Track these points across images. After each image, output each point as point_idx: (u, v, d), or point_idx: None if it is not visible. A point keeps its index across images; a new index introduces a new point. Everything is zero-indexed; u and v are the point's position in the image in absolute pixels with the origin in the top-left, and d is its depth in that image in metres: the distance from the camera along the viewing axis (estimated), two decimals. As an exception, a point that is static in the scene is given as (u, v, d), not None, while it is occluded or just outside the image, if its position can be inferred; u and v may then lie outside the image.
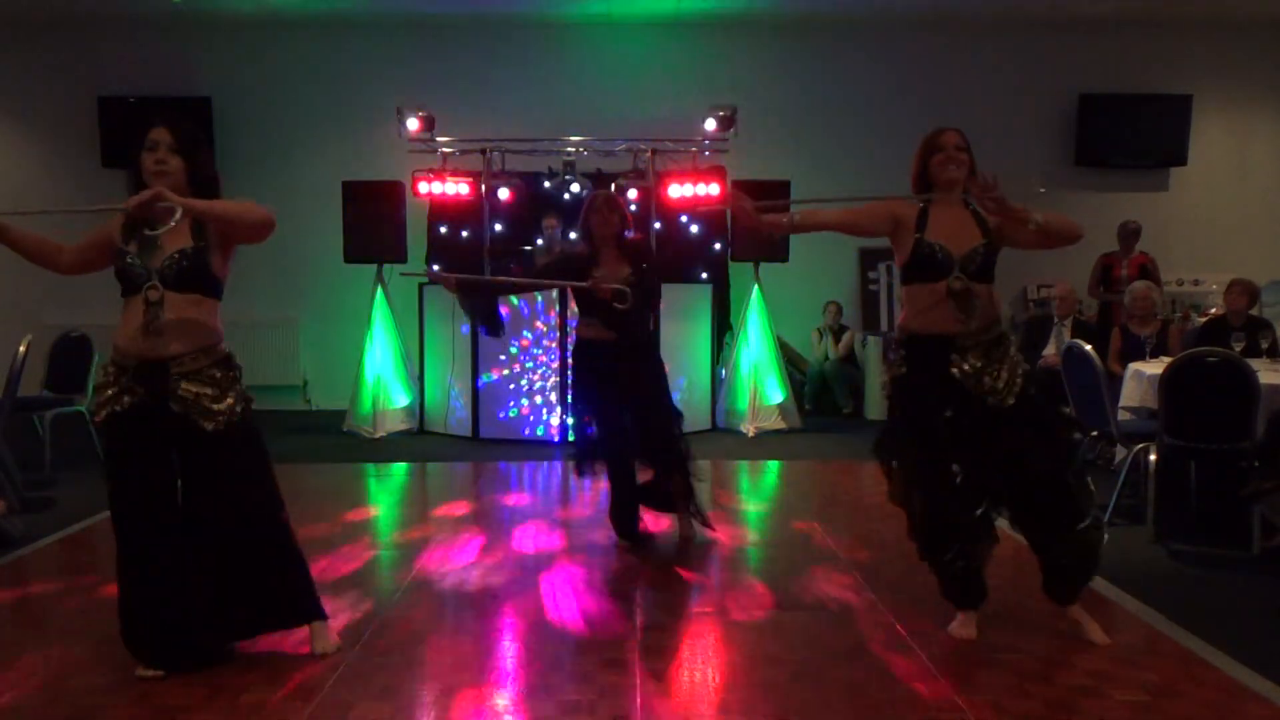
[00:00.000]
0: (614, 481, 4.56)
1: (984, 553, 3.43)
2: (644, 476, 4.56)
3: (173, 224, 2.90)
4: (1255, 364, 4.85)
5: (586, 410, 4.60)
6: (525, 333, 7.62)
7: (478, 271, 8.47)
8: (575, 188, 8.38)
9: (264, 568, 3.18)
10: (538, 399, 7.62)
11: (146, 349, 2.99)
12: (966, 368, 3.20)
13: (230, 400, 3.06)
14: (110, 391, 3.03)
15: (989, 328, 3.25)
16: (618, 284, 4.24)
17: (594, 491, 5.91)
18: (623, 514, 4.57)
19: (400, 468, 6.86)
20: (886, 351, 3.57)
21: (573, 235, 8.60)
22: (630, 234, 4.55)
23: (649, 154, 8.54)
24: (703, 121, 8.23)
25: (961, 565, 3.35)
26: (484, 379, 7.71)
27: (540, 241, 8.51)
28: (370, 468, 6.79)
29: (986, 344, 3.23)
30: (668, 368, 7.80)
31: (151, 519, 3.03)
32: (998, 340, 3.26)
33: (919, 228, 3.28)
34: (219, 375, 3.07)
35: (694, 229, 8.96)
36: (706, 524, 4.65)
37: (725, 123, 8.17)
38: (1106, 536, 3.39)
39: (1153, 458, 4.83)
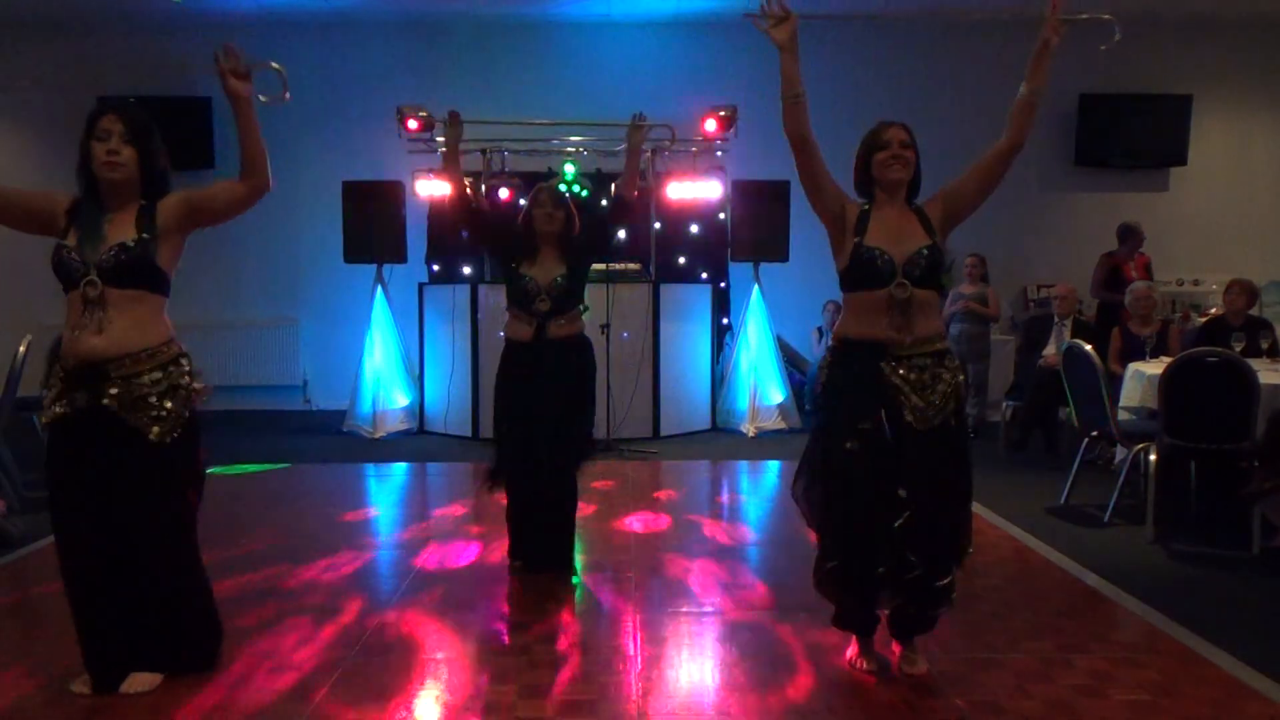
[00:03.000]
0: (511, 500, 4.18)
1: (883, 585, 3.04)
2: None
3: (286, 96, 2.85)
4: (1255, 364, 4.86)
5: (498, 420, 4.19)
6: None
7: (477, 271, 8.50)
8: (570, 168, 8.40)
9: (154, 594, 2.92)
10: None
11: (84, 350, 2.79)
12: (898, 378, 2.96)
13: (172, 406, 2.84)
14: (54, 394, 2.84)
15: (929, 339, 3.00)
16: (550, 284, 4.03)
17: (594, 491, 5.91)
18: (517, 533, 4.21)
19: (400, 468, 6.85)
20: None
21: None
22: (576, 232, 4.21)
23: (649, 154, 8.53)
24: (703, 121, 8.23)
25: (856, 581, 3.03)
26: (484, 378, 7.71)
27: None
28: (370, 468, 6.79)
29: (924, 357, 2.98)
30: (667, 369, 7.94)
31: (92, 531, 2.83)
32: (938, 355, 3.01)
33: (858, 230, 3.03)
34: (162, 378, 2.84)
35: (694, 229, 8.96)
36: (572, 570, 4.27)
37: (725, 123, 8.17)
38: (954, 600, 3.06)
39: (1153, 458, 4.84)
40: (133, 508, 2.85)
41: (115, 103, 2.91)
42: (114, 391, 2.79)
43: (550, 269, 4.09)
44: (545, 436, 4.03)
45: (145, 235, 2.84)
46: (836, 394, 3.09)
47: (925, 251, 3.00)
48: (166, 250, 2.89)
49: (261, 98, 2.92)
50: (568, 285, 4.07)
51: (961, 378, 3.07)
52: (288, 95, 2.86)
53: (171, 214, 2.91)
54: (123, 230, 2.84)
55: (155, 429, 2.82)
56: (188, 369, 2.93)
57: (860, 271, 3.02)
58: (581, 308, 4.20)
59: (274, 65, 2.81)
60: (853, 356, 3.05)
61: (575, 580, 4.19)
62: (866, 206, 3.09)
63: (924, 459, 2.95)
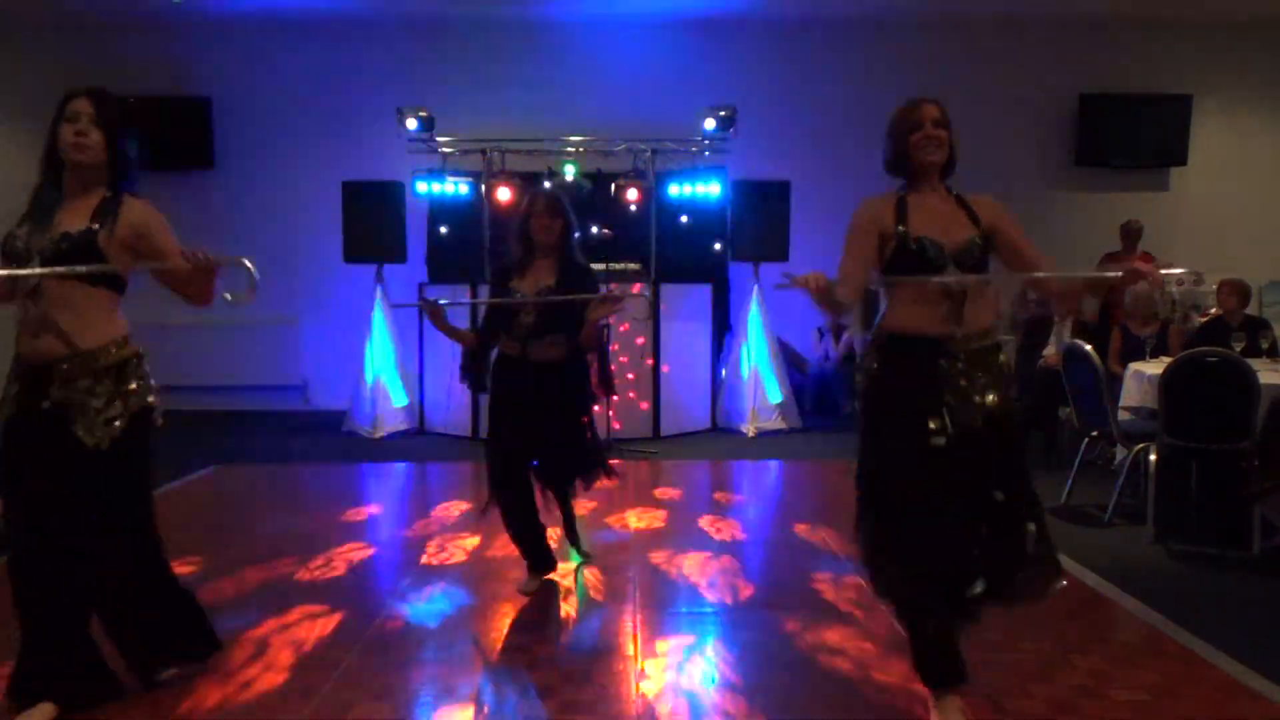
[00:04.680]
0: (505, 516, 3.98)
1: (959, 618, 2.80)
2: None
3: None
4: (1255, 364, 4.86)
5: (491, 434, 3.99)
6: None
7: (477, 271, 8.47)
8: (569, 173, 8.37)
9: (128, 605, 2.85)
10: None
11: (27, 351, 2.67)
12: (956, 373, 2.71)
13: (115, 412, 2.67)
14: (6, 395, 2.72)
15: (983, 333, 2.77)
16: (538, 292, 3.75)
17: (594, 491, 5.92)
18: (523, 545, 4.03)
19: (400, 467, 6.86)
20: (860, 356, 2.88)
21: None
22: (576, 243, 3.95)
23: (649, 154, 8.54)
24: (702, 121, 8.23)
25: (934, 627, 2.72)
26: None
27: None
28: (370, 468, 6.79)
29: (977, 353, 2.74)
30: (667, 369, 7.94)
31: (43, 539, 2.66)
32: (992, 350, 2.79)
33: (899, 219, 2.76)
34: (108, 381, 2.68)
35: (694, 229, 8.96)
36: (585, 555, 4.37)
37: (725, 123, 8.17)
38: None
39: (1153, 458, 4.84)
40: (77, 514, 2.67)
41: (87, 87, 2.77)
42: (55, 395, 2.64)
43: (540, 280, 3.82)
44: (535, 453, 3.87)
45: (95, 225, 2.69)
46: (889, 395, 2.77)
47: (978, 241, 2.78)
48: (120, 252, 2.72)
49: (227, 296, 2.75)
50: (556, 293, 3.75)
51: (1014, 380, 2.86)
52: (253, 296, 2.63)
53: (132, 221, 2.75)
54: (76, 219, 2.71)
55: (93, 436, 2.64)
56: (139, 373, 2.76)
57: (908, 263, 2.75)
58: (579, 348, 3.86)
59: (245, 262, 2.61)
60: (904, 353, 2.77)
61: (577, 560, 4.25)
62: (902, 193, 2.84)
63: (978, 460, 2.70)
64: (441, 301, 3.80)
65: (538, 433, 3.81)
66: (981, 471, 2.70)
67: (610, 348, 4.26)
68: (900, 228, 2.75)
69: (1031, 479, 2.77)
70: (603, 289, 3.92)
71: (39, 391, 2.66)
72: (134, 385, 2.74)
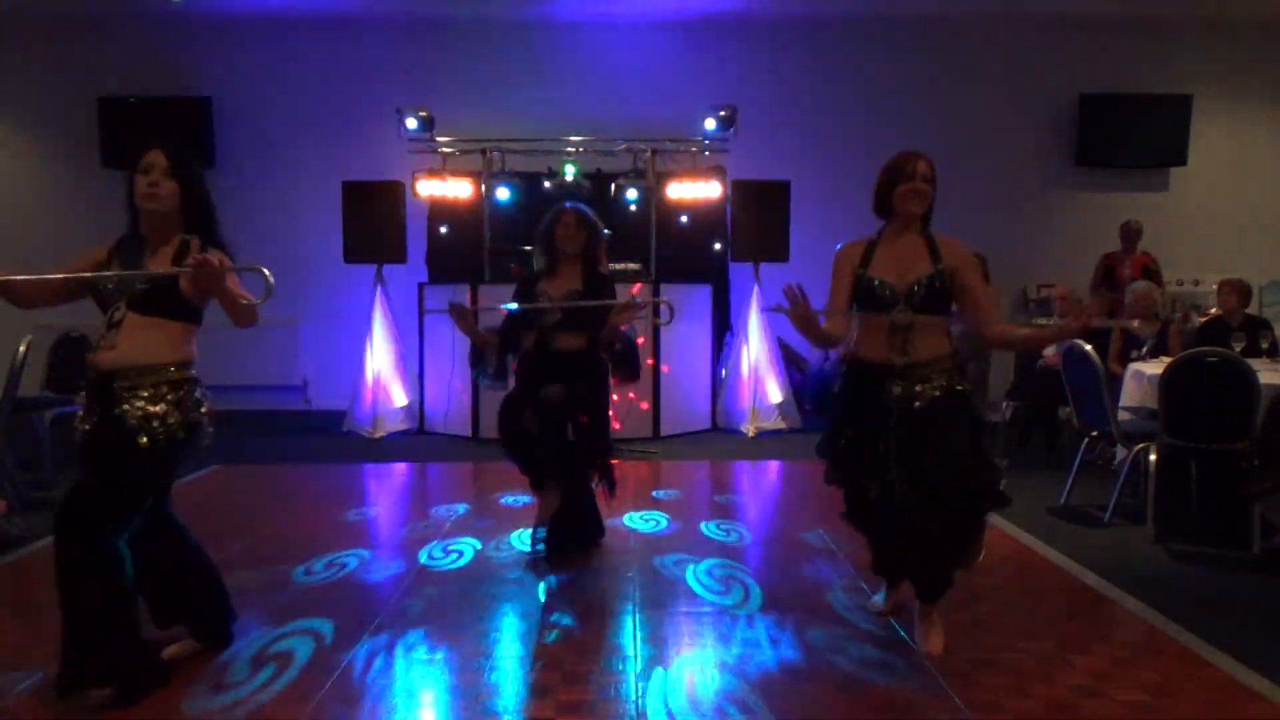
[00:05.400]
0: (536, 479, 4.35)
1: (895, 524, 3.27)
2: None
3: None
4: (1255, 364, 4.86)
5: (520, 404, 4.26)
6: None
7: (477, 271, 8.48)
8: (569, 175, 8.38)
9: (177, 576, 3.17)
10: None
11: (94, 364, 2.92)
12: (898, 391, 3.17)
13: (165, 411, 2.89)
14: (82, 410, 2.96)
15: (934, 361, 3.18)
16: (566, 294, 4.17)
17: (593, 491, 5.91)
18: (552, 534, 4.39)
19: (400, 468, 6.86)
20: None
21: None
22: (602, 261, 4.39)
23: (649, 154, 8.54)
24: (702, 121, 8.23)
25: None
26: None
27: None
28: (370, 468, 6.79)
29: (930, 374, 3.18)
30: (667, 369, 7.94)
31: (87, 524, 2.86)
32: (945, 373, 3.19)
33: (864, 262, 3.25)
34: (167, 394, 2.92)
35: (694, 229, 8.96)
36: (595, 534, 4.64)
37: (725, 123, 8.18)
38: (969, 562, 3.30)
39: (1153, 458, 4.84)
40: (119, 502, 2.86)
41: (159, 140, 3.00)
42: (121, 406, 2.86)
43: (567, 283, 4.22)
44: (561, 430, 4.14)
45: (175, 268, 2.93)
46: (845, 403, 3.36)
47: (925, 280, 3.18)
48: (193, 287, 2.90)
49: (243, 301, 2.91)
50: (582, 297, 4.14)
51: (960, 387, 3.23)
52: (266, 298, 2.80)
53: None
54: (160, 264, 2.95)
55: (145, 437, 2.85)
56: (196, 394, 3.00)
57: (864, 299, 3.24)
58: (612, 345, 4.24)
59: (263, 270, 2.75)
60: (863, 374, 3.27)
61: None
62: (874, 238, 3.31)
63: (913, 434, 3.15)
64: (474, 306, 4.06)
65: (566, 404, 4.10)
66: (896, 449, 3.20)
67: (638, 341, 4.57)
68: (862, 270, 3.24)
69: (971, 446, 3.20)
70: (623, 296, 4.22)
71: (105, 404, 2.88)
72: (189, 402, 2.97)
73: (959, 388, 3.21)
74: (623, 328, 4.22)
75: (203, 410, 3.02)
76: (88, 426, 2.91)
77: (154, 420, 2.87)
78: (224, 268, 2.82)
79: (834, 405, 3.46)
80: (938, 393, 3.17)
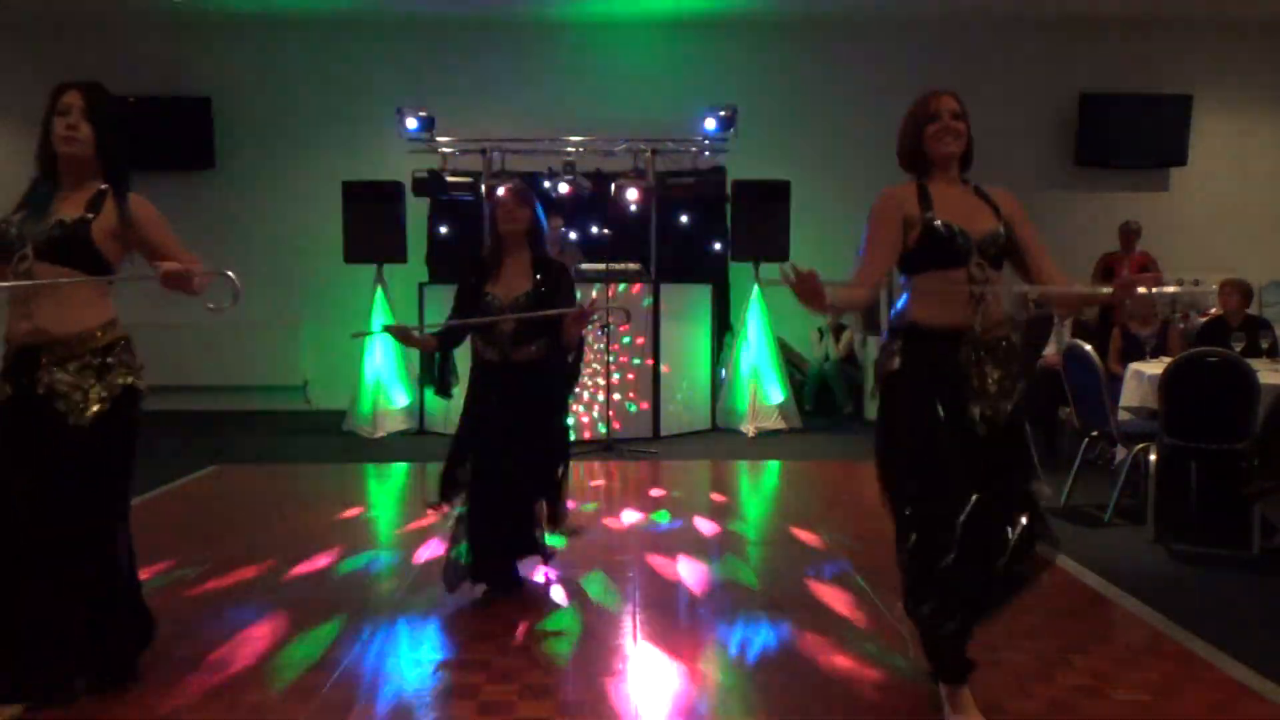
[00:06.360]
0: (477, 525, 3.75)
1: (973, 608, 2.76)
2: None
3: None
4: (1255, 364, 4.85)
5: (464, 442, 3.83)
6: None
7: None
8: (564, 188, 8.34)
9: (73, 592, 2.72)
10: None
11: (15, 336, 2.72)
12: (978, 367, 2.67)
13: (100, 391, 2.69)
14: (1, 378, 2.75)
15: (999, 325, 2.72)
16: (514, 299, 3.68)
17: (594, 490, 5.92)
18: (490, 563, 3.81)
19: (400, 468, 6.85)
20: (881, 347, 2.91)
21: (572, 235, 8.62)
22: (548, 241, 3.89)
23: (649, 154, 8.53)
24: (703, 121, 8.23)
25: (952, 625, 2.69)
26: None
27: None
28: (370, 468, 6.79)
29: (995, 347, 2.70)
30: (667, 369, 7.94)
31: (14, 521, 2.65)
32: (1008, 346, 2.74)
33: (924, 205, 2.70)
34: (98, 364, 2.71)
35: (694, 229, 8.96)
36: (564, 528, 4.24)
37: (725, 123, 8.17)
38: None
39: (1153, 458, 4.83)
40: (55, 496, 2.65)
41: (78, 80, 2.81)
42: (43, 378, 2.67)
43: (514, 284, 3.71)
44: (506, 455, 3.71)
45: (89, 215, 2.75)
46: (912, 384, 2.71)
47: (1002, 232, 2.71)
48: (111, 242, 2.76)
49: (209, 305, 2.78)
50: (531, 306, 3.66)
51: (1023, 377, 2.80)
52: (233, 303, 2.70)
53: (139, 216, 2.81)
54: (71, 209, 2.76)
55: (76, 413, 2.67)
56: (124, 356, 2.79)
57: (935, 249, 2.68)
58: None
59: (229, 274, 2.65)
60: (926, 345, 2.70)
61: (557, 542, 4.16)
62: (918, 182, 2.78)
63: (992, 454, 2.67)
64: (410, 327, 3.85)
65: (516, 430, 3.69)
66: (999, 464, 2.67)
67: (611, 347, 4.29)
68: (927, 214, 2.69)
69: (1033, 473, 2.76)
70: (589, 291, 3.87)
71: (28, 376, 2.69)
72: (118, 367, 2.76)
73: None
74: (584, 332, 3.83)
75: (135, 371, 2.80)
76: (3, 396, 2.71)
77: (83, 394, 2.68)
78: (191, 271, 2.71)
79: (894, 399, 2.75)
80: (1020, 380, 2.71)
